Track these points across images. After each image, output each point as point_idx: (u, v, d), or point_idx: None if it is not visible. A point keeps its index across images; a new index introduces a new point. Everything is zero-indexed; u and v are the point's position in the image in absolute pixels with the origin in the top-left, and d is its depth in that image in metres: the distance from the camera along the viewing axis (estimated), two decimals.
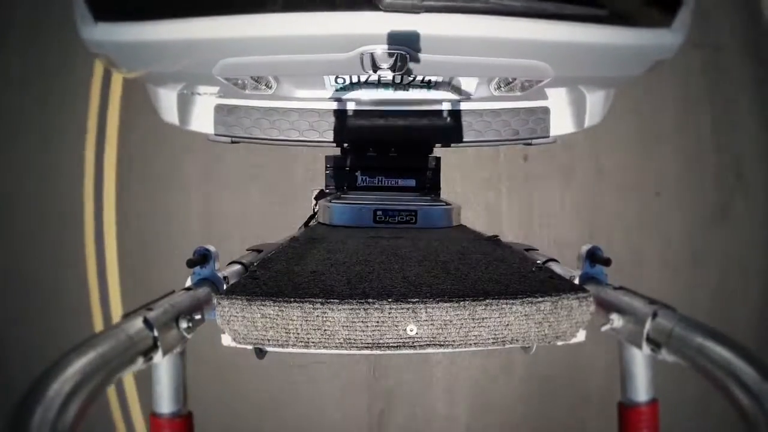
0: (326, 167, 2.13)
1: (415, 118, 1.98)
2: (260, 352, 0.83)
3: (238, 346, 0.76)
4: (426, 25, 1.29)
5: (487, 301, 0.75)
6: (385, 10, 1.24)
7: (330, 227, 1.50)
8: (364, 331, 0.73)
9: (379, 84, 1.86)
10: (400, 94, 1.95)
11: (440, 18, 1.29)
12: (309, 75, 1.77)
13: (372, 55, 1.38)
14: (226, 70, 1.53)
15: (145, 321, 0.64)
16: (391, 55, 1.37)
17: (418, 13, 1.25)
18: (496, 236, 1.32)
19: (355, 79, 1.84)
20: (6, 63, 3.24)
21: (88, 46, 1.46)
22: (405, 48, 1.35)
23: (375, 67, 1.40)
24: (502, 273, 0.91)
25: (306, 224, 1.79)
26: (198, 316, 0.75)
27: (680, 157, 3.35)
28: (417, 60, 1.40)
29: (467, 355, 3.15)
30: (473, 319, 0.74)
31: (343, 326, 0.73)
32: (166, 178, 3.22)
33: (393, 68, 1.40)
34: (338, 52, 1.40)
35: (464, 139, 1.99)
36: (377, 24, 1.28)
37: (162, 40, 1.37)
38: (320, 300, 0.74)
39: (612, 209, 3.31)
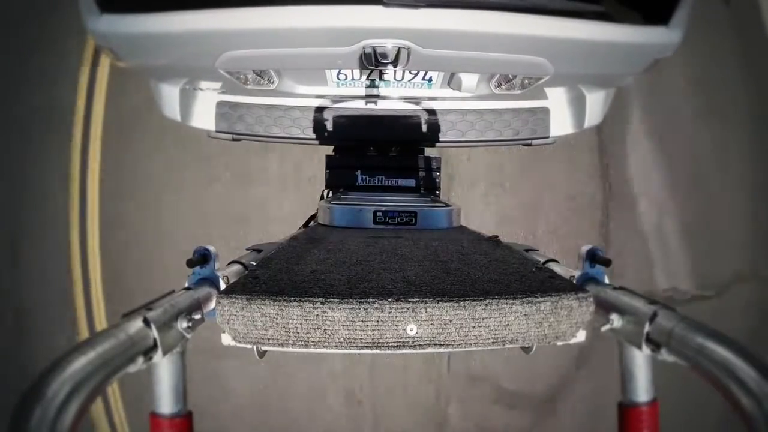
0: (327, 166, 2.14)
1: (416, 117, 1.98)
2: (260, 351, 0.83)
3: (238, 345, 0.76)
4: (427, 19, 1.30)
5: (487, 301, 0.75)
6: (387, 5, 1.24)
7: (330, 228, 1.50)
8: (364, 331, 0.73)
9: (381, 81, 1.86)
10: (401, 92, 1.95)
11: (441, 13, 1.30)
12: (311, 69, 1.77)
13: (374, 49, 1.39)
14: (229, 63, 1.53)
15: (145, 321, 0.64)
16: (392, 49, 1.38)
17: (419, 7, 1.26)
18: (496, 236, 1.32)
19: (356, 75, 1.84)
20: None
21: (93, 38, 1.47)
22: (406, 42, 1.36)
23: (377, 62, 1.41)
24: (502, 273, 0.91)
25: (305, 225, 1.79)
26: (198, 316, 0.75)
27: None
28: (418, 55, 1.41)
29: None
30: (473, 318, 0.74)
31: (342, 325, 0.73)
32: None
33: (394, 63, 1.41)
34: (340, 46, 1.41)
35: (465, 139, 1.99)
36: (379, 18, 1.29)
37: (167, 31, 1.37)
38: (320, 299, 0.73)
39: None
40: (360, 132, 2.00)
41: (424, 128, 1.98)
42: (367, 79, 1.85)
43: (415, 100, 1.97)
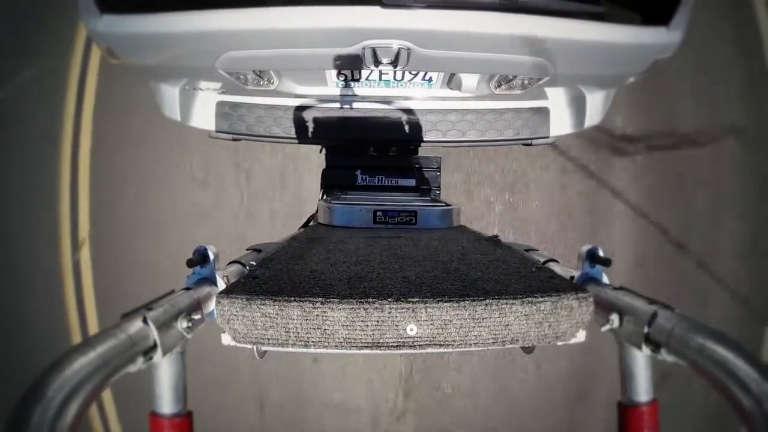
0: (326, 166, 2.13)
1: (416, 117, 1.98)
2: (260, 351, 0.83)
3: (238, 345, 0.76)
4: (425, 20, 1.30)
5: (487, 301, 0.75)
6: (385, 6, 1.24)
7: (330, 227, 1.50)
8: (363, 331, 0.73)
9: (381, 81, 1.86)
10: (401, 92, 1.95)
11: (440, 14, 1.30)
12: (310, 69, 1.77)
13: (373, 50, 1.39)
14: (229, 63, 1.53)
15: (145, 321, 0.64)
16: (392, 50, 1.38)
17: (417, 8, 1.26)
18: (496, 236, 1.32)
19: (357, 76, 1.84)
20: None
21: (92, 38, 1.47)
22: (405, 43, 1.36)
23: (376, 62, 1.41)
24: (502, 273, 0.91)
25: (305, 225, 1.79)
26: (198, 316, 0.75)
27: None
28: (417, 55, 1.41)
29: None
30: (473, 318, 0.74)
31: (342, 326, 0.73)
32: None
33: (394, 63, 1.41)
34: (340, 47, 1.41)
35: (465, 139, 1.99)
36: (379, 19, 1.29)
37: (167, 32, 1.38)
38: (320, 299, 0.73)
39: None
40: (360, 132, 2.00)
41: (424, 128, 1.98)
42: (367, 79, 1.85)
43: (415, 101, 1.97)
